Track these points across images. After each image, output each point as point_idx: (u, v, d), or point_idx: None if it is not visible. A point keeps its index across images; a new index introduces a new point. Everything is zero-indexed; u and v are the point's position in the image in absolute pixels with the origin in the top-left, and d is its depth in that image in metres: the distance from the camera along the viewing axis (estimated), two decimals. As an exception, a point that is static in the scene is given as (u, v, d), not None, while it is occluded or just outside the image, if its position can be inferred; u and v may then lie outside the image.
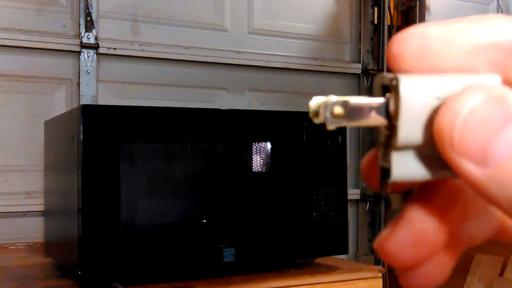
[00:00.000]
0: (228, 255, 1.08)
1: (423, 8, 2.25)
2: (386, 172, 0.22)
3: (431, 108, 0.21)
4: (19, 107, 1.62)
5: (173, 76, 1.83)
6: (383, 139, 0.22)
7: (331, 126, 0.21)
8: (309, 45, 2.05)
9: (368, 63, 2.14)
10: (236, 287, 1.06)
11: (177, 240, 1.06)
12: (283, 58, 1.99)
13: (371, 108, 0.21)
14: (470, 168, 0.19)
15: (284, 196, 1.15)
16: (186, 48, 1.83)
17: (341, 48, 2.13)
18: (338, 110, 0.21)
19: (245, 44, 1.94)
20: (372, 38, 2.17)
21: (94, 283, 1.01)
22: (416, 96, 0.21)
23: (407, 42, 0.21)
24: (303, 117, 1.15)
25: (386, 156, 0.22)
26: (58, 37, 1.66)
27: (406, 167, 0.21)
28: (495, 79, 0.21)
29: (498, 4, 2.45)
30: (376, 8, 2.17)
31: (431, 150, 0.21)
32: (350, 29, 2.15)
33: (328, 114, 0.21)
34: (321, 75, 2.07)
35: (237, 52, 1.91)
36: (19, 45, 1.61)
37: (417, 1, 2.23)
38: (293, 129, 1.16)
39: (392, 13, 2.20)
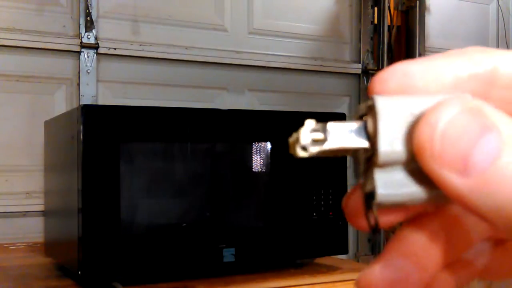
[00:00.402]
0: (228, 255, 1.08)
1: (423, 8, 2.25)
2: (371, 197, 0.21)
3: (408, 124, 0.21)
4: (19, 107, 1.62)
5: (173, 76, 1.83)
6: (363, 166, 0.22)
7: (312, 151, 0.21)
8: (309, 45, 2.05)
9: (368, 63, 2.14)
10: (236, 287, 1.06)
11: (177, 240, 1.06)
12: (283, 58, 1.99)
13: (350, 131, 0.21)
14: (452, 179, 0.19)
15: (284, 196, 1.15)
16: (186, 48, 1.83)
17: (341, 48, 2.13)
18: (318, 134, 0.21)
19: (245, 44, 1.94)
20: (372, 38, 2.17)
21: (94, 283, 1.01)
22: (392, 112, 0.21)
23: (389, 81, 0.22)
24: (303, 117, 1.15)
25: (369, 178, 0.21)
26: (58, 37, 1.66)
27: (390, 185, 0.21)
28: (466, 97, 0.21)
29: (498, 4, 2.45)
30: (376, 8, 2.17)
31: (413, 167, 0.21)
32: (350, 29, 2.15)
33: (308, 139, 0.21)
34: (321, 75, 2.07)
35: (237, 52, 1.91)
36: (19, 45, 1.61)
37: (417, 1, 2.23)
38: (293, 129, 1.15)
39: (392, 13, 2.20)
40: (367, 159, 0.21)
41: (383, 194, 0.21)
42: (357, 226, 0.23)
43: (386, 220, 0.22)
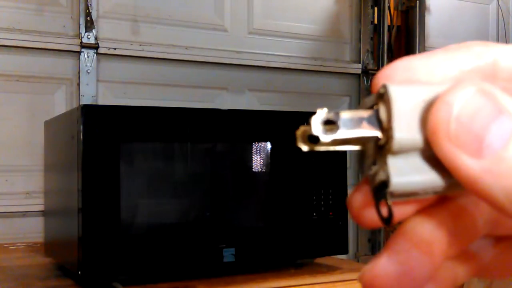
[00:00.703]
0: (228, 255, 1.08)
1: (423, 8, 2.25)
2: (383, 187, 0.21)
3: (420, 110, 0.21)
4: (19, 107, 1.62)
5: (173, 76, 1.83)
6: (373, 157, 0.21)
7: (324, 140, 0.21)
8: (309, 45, 2.05)
9: (368, 63, 2.14)
10: (236, 287, 1.06)
11: (177, 240, 1.06)
12: (283, 58, 1.99)
13: (362, 118, 0.21)
14: (465, 160, 0.19)
15: (284, 196, 1.15)
16: (186, 48, 1.83)
17: (341, 48, 2.13)
18: (330, 123, 0.21)
19: (245, 44, 1.94)
20: (372, 38, 2.17)
21: (94, 283, 1.01)
22: (405, 98, 0.21)
23: (392, 77, 0.22)
24: (303, 117, 1.15)
25: (381, 168, 0.21)
26: (58, 37, 1.66)
27: (403, 173, 0.21)
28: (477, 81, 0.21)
29: (498, 4, 2.45)
30: (376, 8, 2.17)
31: (426, 155, 0.21)
32: (350, 29, 2.15)
33: (319, 128, 0.21)
34: (321, 75, 2.07)
35: (237, 52, 1.91)
36: (19, 45, 1.61)
37: (417, 1, 2.23)
38: (293, 129, 1.15)
39: (392, 13, 2.20)
40: (378, 149, 0.21)
41: (397, 182, 0.21)
42: (363, 222, 0.23)
43: (396, 213, 0.22)
